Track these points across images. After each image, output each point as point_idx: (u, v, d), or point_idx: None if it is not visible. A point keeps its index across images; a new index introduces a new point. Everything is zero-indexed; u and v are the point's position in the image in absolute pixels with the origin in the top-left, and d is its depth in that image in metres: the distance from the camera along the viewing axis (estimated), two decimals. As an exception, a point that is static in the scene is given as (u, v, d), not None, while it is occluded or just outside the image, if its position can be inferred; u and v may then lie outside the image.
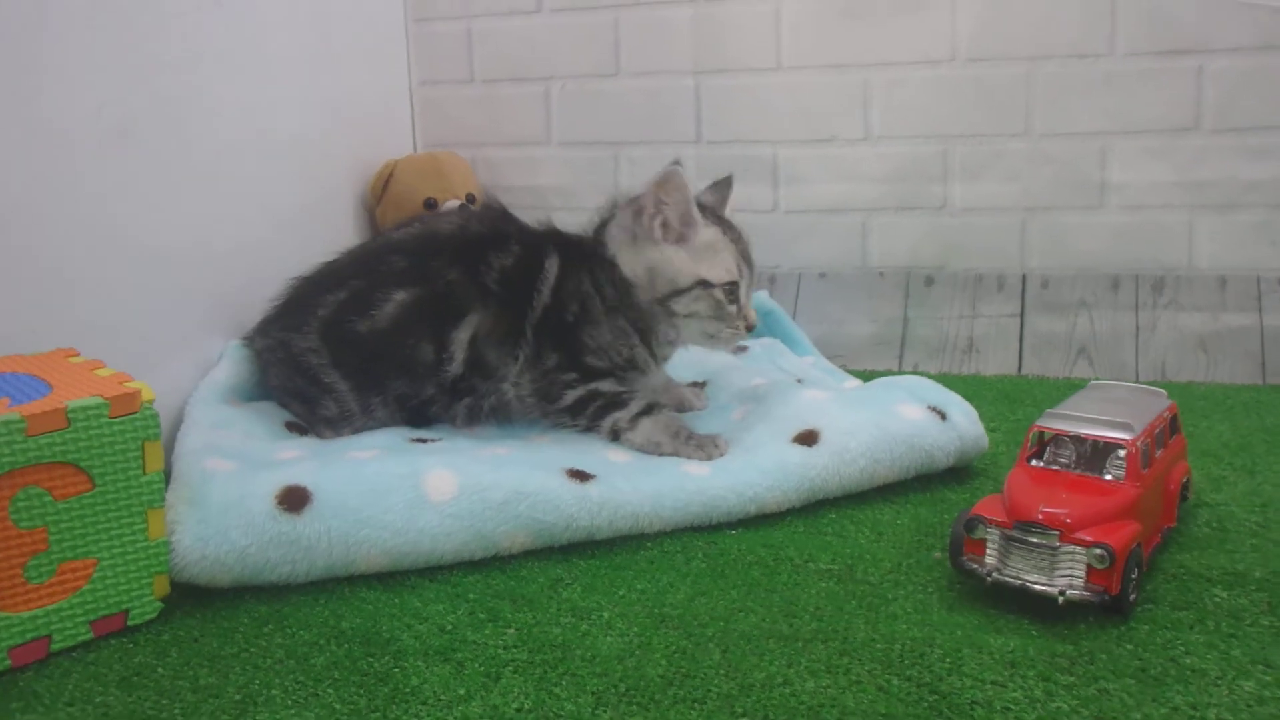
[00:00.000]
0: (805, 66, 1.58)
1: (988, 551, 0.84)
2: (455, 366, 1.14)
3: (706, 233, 1.14)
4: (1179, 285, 1.48)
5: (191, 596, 0.87)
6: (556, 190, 1.73)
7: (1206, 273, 1.48)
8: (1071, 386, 1.33)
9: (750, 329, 1.16)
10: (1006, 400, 1.35)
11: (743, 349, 1.46)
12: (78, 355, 0.92)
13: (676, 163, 1.11)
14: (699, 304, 1.13)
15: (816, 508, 1.03)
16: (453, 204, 1.56)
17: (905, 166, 1.58)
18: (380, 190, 1.57)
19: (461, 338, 1.13)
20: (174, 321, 1.20)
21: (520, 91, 1.73)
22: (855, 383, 1.29)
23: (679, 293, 1.13)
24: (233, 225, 1.29)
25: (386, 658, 0.78)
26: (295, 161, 1.44)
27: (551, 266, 1.17)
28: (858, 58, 1.56)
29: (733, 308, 1.14)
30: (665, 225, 1.13)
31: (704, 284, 1.13)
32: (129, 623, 0.83)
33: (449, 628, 0.82)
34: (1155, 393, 0.99)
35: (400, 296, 1.13)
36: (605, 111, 1.69)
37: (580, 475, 0.98)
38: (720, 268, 1.13)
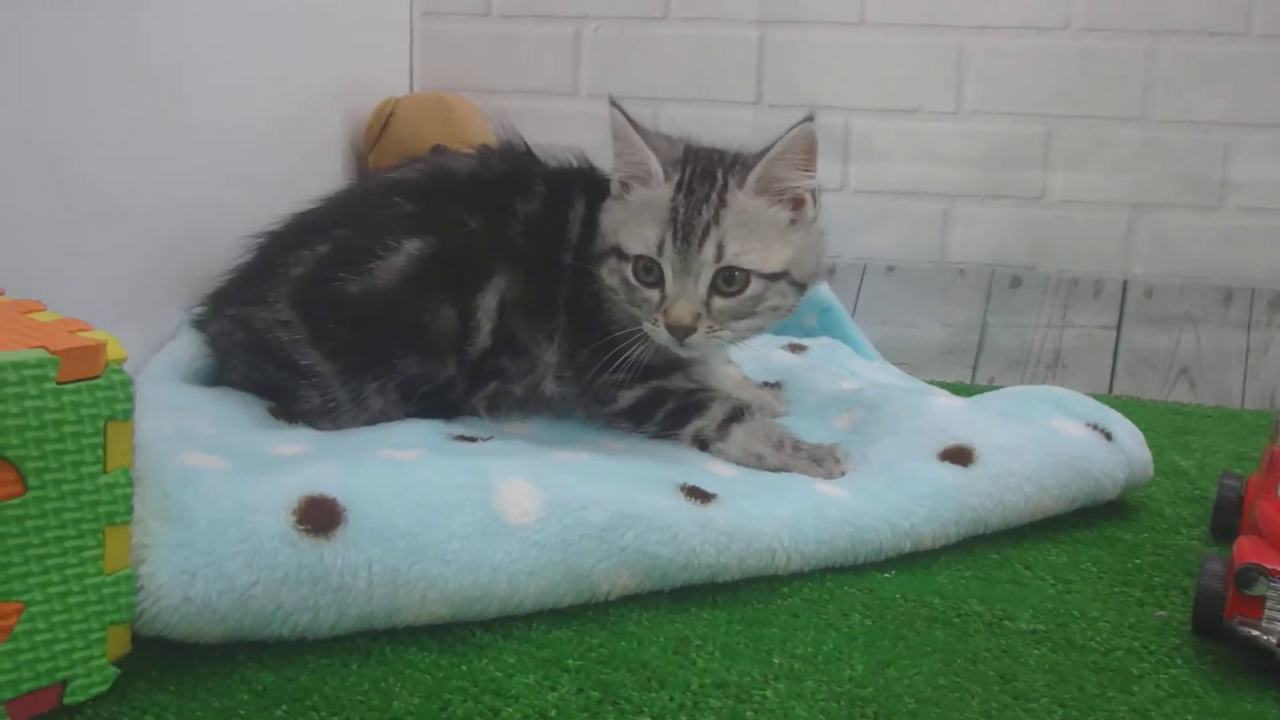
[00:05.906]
0: (892, 24, 1.48)
1: (1267, 614, 0.65)
2: (482, 339, 0.93)
3: (649, 191, 0.90)
4: (1300, 302, 1.41)
5: (164, 657, 0.63)
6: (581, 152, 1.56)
7: (1334, 289, 1.40)
8: (1170, 411, 1.23)
9: (674, 331, 0.86)
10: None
11: (801, 347, 1.27)
12: (2, 294, 0.66)
13: (612, 103, 0.90)
14: (614, 278, 0.91)
15: (969, 545, 0.84)
16: (467, 155, 1.37)
17: (999, 148, 1.48)
18: (377, 132, 1.39)
19: (489, 304, 0.93)
20: (122, 278, 1.00)
21: (545, 31, 1.59)
22: (945, 395, 1.11)
23: (600, 257, 0.92)
24: (195, 169, 1.10)
25: (468, 760, 0.54)
26: (272, 100, 1.26)
27: (575, 218, 0.95)
28: (954, 18, 1.46)
29: (650, 294, 0.89)
30: (624, 183, 0.92)
31: (618, 252, 0.90)
32: (65, 700, 0.59)
33: (551, 713, 0.59)
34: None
35: (410, 247, 0.91)
36: (647, 61, 1.56)
37: (699, 495, 0.76)
38: (638, 237, 0.88)
